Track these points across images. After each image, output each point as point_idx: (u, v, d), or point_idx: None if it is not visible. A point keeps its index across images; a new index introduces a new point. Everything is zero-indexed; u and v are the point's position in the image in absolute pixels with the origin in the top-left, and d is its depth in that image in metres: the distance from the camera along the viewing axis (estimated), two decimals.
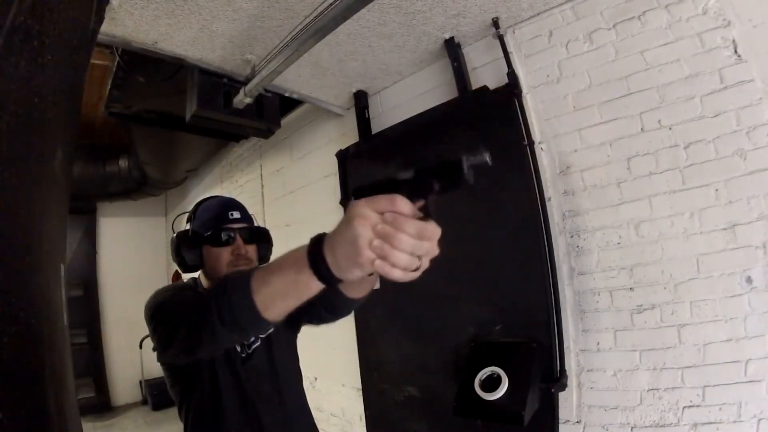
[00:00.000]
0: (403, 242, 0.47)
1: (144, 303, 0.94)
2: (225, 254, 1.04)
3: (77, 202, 4.64)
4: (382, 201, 0.49)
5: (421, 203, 0.51)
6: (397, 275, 0.48)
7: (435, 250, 0.50)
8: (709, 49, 1.43)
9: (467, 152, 0.47)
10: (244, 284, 0.63)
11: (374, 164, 2.28)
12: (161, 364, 0.98)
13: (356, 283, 0.78)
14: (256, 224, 1.16)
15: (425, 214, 0.50)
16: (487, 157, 0.47)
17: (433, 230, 0.49)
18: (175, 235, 1.09)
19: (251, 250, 1.09)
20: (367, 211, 0.49)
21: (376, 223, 0.48)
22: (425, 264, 0.51)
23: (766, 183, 1.33)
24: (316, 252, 0.54)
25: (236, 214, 1.08)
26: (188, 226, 1.11)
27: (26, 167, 0.52)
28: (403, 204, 0.48)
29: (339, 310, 0.95)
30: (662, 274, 1.49)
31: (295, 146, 3.04)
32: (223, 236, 1.04)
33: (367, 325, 2.28)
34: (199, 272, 1.12)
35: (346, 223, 0.50)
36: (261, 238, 1.14)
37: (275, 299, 0.61)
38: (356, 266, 0.50)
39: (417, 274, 0.50)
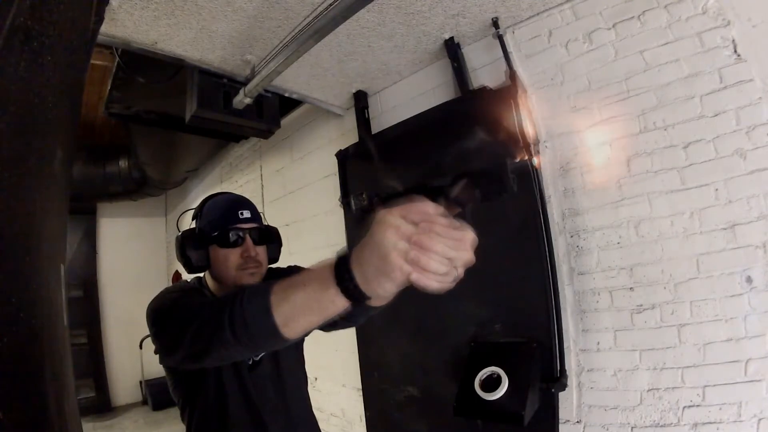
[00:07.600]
0: (441, 252, 0.44)
1: (144, 303, 0.91)
2: (233, 256, 0.98)
3: (77, 202, 4.64)
4: (415, 209, 0.46)
5: (457, 211, 0.48)
6: (434, 287, 0.46)
7: (472, 259, 0.48)
8: (708, 48, 1.43)
9: (510, 156, 0.44)
10: (263, 299, 0.59)
11: (374, 164, 2.28)
12: (164, 367, 0.95)
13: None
14: (265, 223, 1.09)
15: (462, 223, 0.47)
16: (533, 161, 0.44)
17: (472, 238, 0.46)
18: (180, 233, 1.02)
19: (261, 252, 1.02)
20: (399, 220, 0.45)
21: (411, 233, 0.45)
22: (461, 273, 0.48)
23: (765, 182, 1.33)
24: (343, 268, 0.50)
25: (246, 214, 1.01)
26: (194, 224, 1.05)
27: (26, 167, 0.52)
28: (437, 211, 0.45)
29: (356, 318, 0.89)
30: (662, 274, 1.49)
31: (295, 146, 3.04)
32: (232, 237, 0.98)
33: (367, 325, 2.27)
34: (203, 272, 1.07)
35: (375, 234, 0.46)
36: (271, 239, 1.08)
37: (296, 316, 0.58)
38: (389, 280, 0.46)
39: (452, 284, 0.47)
